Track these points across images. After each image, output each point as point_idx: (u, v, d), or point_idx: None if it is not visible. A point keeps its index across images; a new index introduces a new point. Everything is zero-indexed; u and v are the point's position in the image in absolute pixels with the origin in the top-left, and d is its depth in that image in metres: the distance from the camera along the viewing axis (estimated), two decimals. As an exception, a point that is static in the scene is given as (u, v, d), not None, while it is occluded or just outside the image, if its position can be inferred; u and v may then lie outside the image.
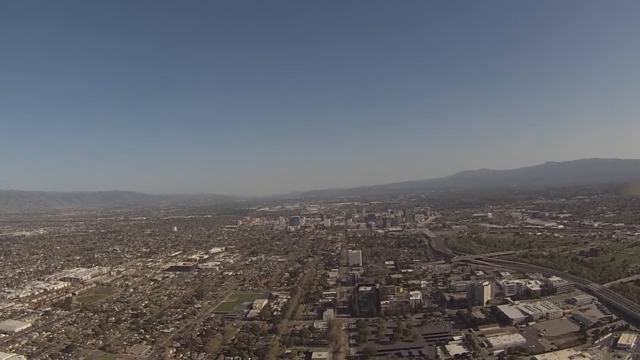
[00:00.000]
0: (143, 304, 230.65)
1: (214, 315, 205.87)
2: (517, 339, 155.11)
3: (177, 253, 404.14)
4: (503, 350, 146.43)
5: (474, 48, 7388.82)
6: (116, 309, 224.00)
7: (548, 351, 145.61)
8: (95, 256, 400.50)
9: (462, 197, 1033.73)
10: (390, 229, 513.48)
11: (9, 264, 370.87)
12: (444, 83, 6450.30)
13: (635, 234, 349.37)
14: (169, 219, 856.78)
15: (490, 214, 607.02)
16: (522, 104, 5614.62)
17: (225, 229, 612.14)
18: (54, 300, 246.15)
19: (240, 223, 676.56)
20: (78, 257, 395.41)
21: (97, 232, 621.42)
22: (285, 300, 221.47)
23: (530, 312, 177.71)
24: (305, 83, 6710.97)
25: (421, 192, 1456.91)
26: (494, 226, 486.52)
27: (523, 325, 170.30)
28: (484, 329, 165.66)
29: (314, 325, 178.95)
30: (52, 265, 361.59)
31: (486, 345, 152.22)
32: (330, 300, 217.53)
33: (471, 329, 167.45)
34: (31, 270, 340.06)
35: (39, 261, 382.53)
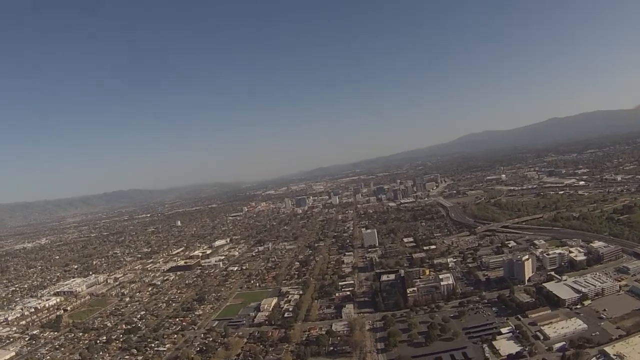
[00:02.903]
0: (138, 316, 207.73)
1: (216, 323, 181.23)
2: (577, 325, 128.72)
3: (179, 250, 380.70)
4: (563, 342, 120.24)
5: (469, 10, 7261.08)
6: (109, 324, 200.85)
7: (616, 338, 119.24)
8: (94, 263, 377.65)
9: (469, 161, 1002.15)
10: (403, 201, 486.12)
11: (4, 281, 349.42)
12: (441, 50, 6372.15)
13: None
14: (173, 213, 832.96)
15: (503, 175, 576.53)
16: (520, 62, 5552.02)
17: (230, 218, 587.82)
18: (44, 320, 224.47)
19: (246, 210, 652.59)
20: (76, 266, 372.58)
21: (99, 236, 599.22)
22: (297, 296, 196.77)
23: (583, 289, 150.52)
24: (297, 60, 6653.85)
25: (426, 159, 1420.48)
26: (511, 188, 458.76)
27: (578, 306, 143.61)
28: (534, 315, 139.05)
29: (333, 327, 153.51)
30: (48, 278, 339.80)
31: (542, 337, 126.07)
32: (348, 292, 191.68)
33: (519, 316, 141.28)
34: (25, 286, 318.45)
35: (35, 275, 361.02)
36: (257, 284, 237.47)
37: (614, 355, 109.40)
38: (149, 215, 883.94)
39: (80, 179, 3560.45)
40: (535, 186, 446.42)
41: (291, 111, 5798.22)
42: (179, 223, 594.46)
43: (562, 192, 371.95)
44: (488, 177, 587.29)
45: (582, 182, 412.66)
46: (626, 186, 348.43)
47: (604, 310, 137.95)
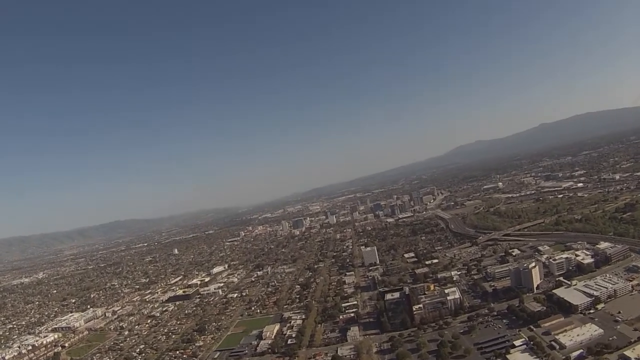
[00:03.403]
0: (138, 350, 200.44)
1: (218, 354, 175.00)
2: (593, 331, 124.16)
3: (177, 279, 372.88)
4: (581, 350, 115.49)
5: (460, 15, 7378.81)
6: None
7: (635, 341, 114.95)
8: (92, 296, 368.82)
9: (464, 171, 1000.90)
10: (401, 216, 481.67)
11: (2, 318, 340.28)
12: (436, 54, 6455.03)
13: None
14: (170, 241, 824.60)
15: (500, 183, 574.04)
16: (509, 69, 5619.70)
17: (227, 244, 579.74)
18: (41, 358, 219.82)
19: (243, 234, 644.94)
20: (73, 300, 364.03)
21: (97, 268, 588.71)
22: (299, 321, 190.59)
23: (594, 293, 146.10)
24: (289, 80, 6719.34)
25: (421, 173, 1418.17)
26: (509, 195, 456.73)
27: (591, 311, 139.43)
28: (547, 324, 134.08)
29: (339, 352, 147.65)
30: (46, 313, 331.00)
31: (557, 346, 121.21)
32: (352, 314, 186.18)
33: (531, 327, 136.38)
34: (23, 323, 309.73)
35: (33, 311, 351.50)
36: (258, 310, 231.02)
37: (635, 358, 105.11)
38: (145, 244, 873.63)
39: (76, 211, 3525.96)
40: (533, 192, 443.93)
41: (284, 134, 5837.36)
42: (176, 251, 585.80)
43: (561, 196, 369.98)
44: (485, 187, 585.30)
45: (580, 184, 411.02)
46: (625, 184, 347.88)
47: (619, 312, 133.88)
